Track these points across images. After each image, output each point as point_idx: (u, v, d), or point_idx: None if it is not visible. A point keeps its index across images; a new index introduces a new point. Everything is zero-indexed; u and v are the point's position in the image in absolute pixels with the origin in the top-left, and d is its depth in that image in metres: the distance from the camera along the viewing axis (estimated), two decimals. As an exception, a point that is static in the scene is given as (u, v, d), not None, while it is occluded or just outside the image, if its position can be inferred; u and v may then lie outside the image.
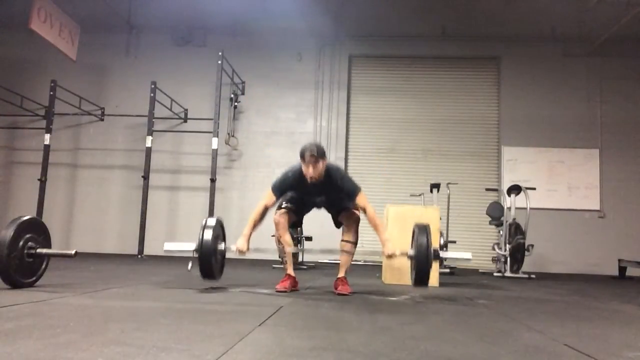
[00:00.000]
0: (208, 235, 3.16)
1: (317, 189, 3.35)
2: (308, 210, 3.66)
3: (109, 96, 8.75)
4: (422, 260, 3.10)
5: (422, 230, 3.17)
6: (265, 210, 3.36)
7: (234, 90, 8.27)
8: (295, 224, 3.66)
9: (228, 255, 3.42)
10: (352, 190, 3.31)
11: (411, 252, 3.22)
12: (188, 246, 3.23)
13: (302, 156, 3.20)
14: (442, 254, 3.40)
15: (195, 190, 8.34)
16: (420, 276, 3.14)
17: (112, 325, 1.90)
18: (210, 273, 3.20)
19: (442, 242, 5.70)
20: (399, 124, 8.59)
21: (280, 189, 3.37)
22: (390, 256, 3.22)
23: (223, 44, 7.88)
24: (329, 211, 3.62)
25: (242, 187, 8.42)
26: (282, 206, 3.51)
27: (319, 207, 3.59)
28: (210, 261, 3.15)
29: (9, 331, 1.70)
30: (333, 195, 3.41)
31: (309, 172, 3.19)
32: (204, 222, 3.26)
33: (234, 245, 3.27)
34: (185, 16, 8.67)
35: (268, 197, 3.36)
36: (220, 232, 3.36)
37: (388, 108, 8.64)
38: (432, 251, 3.11)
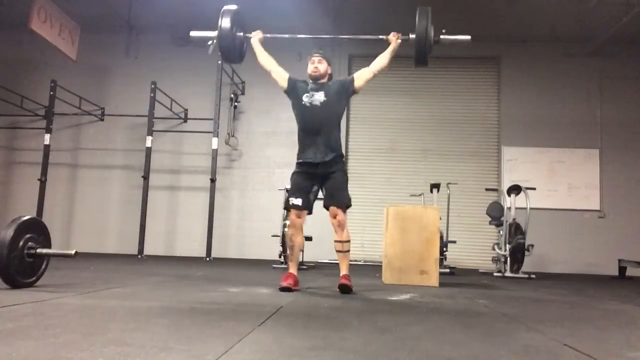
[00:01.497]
0: (227, 22, 3.59)
1: (320, 88, 3.61)
2: (311, 193, 3.55)
3: (109, 96, 8.76)
4: (421, 40, 3.34)
5: (423, 13, 3.44)
6: (274, 66, 3.82)
7: (234, 90, 8.27)
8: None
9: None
10: (348, 78, 3.69)
11: (412, 34, 3.48)
12: (211, 33, 3.68)
13: (310, 57, 3.63)
14: (442, 36, 3.61)
15: (195, 190, 8.35)
16: (420, 55, 3.41)
17: (112, 325, 1.90)
18: (230, 56, 3.68)
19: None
20: (399, 124, 8.59)
21: (292, 79, 3.73)
22: (394, 37, 3.64)
23: (223, 44, 7.87)
24: (324, 190, 3.56)
25: (242, 187, 8.41)
26: (290, 204, 3.51)
27: (316, 181, 3.54)
28: (229, 45, 3.58)
29: (9, 331, 1.70)
30: (332, 95, 3.61)
31: (314, 66, 3.57)
32: (223, 10, 3.66)
33: (254, 33, 3.75)
34: (185, 16, 8.64)
35: (282, 72, 3.78)
36: (240, 19, 3.77)
37: (388, 108, 8.64)
38: (431, 32, 3.35)
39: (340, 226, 3.47)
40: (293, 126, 3.83)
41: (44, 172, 7.50)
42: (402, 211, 4.64)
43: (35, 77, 8.67)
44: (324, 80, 3.63)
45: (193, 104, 8.47)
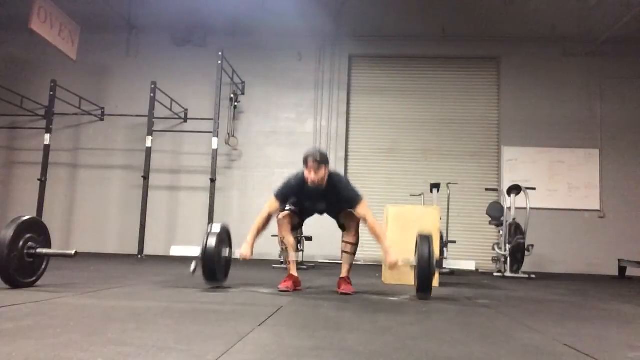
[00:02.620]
0: (212, 241, 3.23)
1: (319, 195, 3.37)
2: (310, 215, 3.70)
3: (109, 96, 8.76)
4: (424, 270, 3.11)
5: (424, 239, 3.18)
6: (269, 218, 3.38)
7: (234, 90, 8.27)
8: (295, 227, 3.68)
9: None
10: (353, 199, 3.32)
11: (414, 261, 3.23)
12: (194, 250, 3.31)
13: (305, 161, 3.24)
14: (445, 264, 3.41)
15: (195, 190, 8.34)
16: (424, 285, 3.16)
17: (112, 325, 1.90)
18: (214, 277, 3.28)
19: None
20: (399, 124, 8.59)
21: (283, 195, 3.39)
22: (393, 265, 3.23)
23: (223, 44, 7.89)
24: (330, 216, 3.65)
25: (242, 187, 8.41)
26: (286, 208, 3.53)
27: (320, 213, 3.62)
28: (214, 266, 3.22)
29: (9, 331, 1.70)
30: (334, 202, 3.43)
31: (311, 176, 3.22)
32: (209, 229, 3.35)
33: (238, 251, 3.34)
34: (185, 16, 8.67)
35: (271, 204, 3.37)
36: (225, 237, 3.43)
37: (388, 108, 8.64)
38: (434, 261, 3.12)
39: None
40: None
41: (44, 172, 7.49)
42: (402, 211, 4.64)
43: (35, 77, 8.67)
44: (323, 185, 3.32)
45: (193, 104, 8.48)
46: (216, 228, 3.36)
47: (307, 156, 3.24)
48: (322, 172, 3.24)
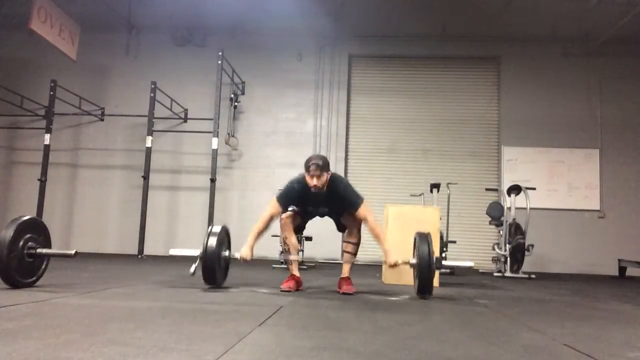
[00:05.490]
0: (212, 242, 3.24)
1: (321, 199, 3.41)
2: (312, 217, 3.70)
3: (109, 96, 8.75)
4: (424, 270, 3.13)
5: (423, 239, 3.20)
6: (270, 220, 3.40)
7: (234, 90, 8.27)
8: (298, 228, 3.69)
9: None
10: (354, 201, 3.37)
11: (413, 261, 3.25)
12: (193, 252, 3.33)
13: (307, 168, 3.29)
14: (445, 263, 3.43)
15: (195, 190, 8.34)
16: (423, 285, 3.17)
17: (112, 325, 1.90)
18: (213, 279, 3.29)
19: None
20: (399, 124, 8.59)
21: (285, 199, 3.43)
22: (392, 266, 3.26)
23: (223, 44, 7.89)
24: (332, 218, 3.68)
25: (242, 187, 8.41)
26: (289, 209, 3.54)
27: (322, 216, 3.64)
28: (214, 267, 3.23)
29: (9, 331, 1.70)
30: (336, 205, 3.47)
31: (313, 182, 3.27)
32: (209, 229, 3.36)
33: (237, 253, 3.34)
34: (185, 16, 8.67)
35: (273, 207, 3.40)
36: (225, 239, 3.44)
37: (388, 108, 8.64)
38: (434, 260, 3.14)
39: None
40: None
41: (44, 172, 7.49)
42: (402, 211, 4.64)
43: (35, 77, 8.66)
44: (325, 190, 3.36)
45: (193, 104, 8.47)
46: (216, 229, 3.36)
47: (308, 163, 3.29)
48: (324, 178, 3.30)
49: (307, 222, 3.75)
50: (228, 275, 3.59)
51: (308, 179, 3.30)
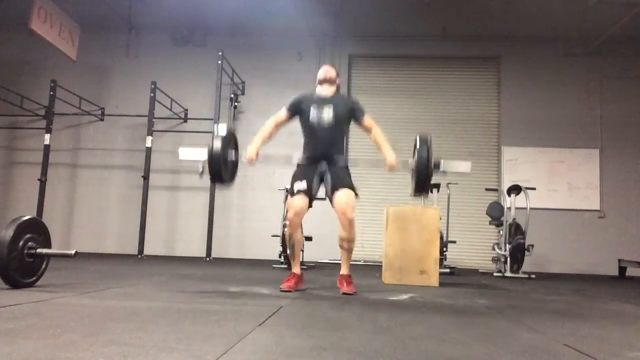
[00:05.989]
0: (217, 143, 3.35)
1: (327, 103, 3.52)
2: (316, 188, 3.52)
3: (109, 96, 8.75)
4: (422, 170, 3.27)
5: (423, 142, 3.36)
6: (275, 126, 3.69)
7: (234, 90, 8.27)
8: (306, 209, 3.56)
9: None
10: (360, 109, 3.63)
11: (412, 162, 3.37)
12: (201, 152, 3.46)
13: (320, 72, 3.59)
14: (442, 165, 3.51)
15: (195, 190, 8.34)
16: (420, 185, 3.32)
17: (112, 325, 1.90)
18: (220, 177, 3.39)
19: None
20: (399, 123, 8.58)
21: (293, 105, 3.65)
22: (392, 167, 3.44)
23: (223, 44, 7.89)
24: (330, 182, 3.48)
25: (242, 187, 8.40)
26: (295, 191, 3.44)
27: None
28: (220, 166, 3.33)
29: (9, 331, 1.70)
30: (341, 112, 3.55)
31: (325, 69, 3.57)
32: (215, 132, 3.45)
33: (245, 153, 3.49)
34: (185, 16, 8.66)
35: (280, 113, 3.70)
36: (231, 139, 3.60)
37: (388, 108, 8.63)
38: (432, 161, 3.29)
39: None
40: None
41: (44, 172, 7.49)
42: (402, 211, 4.64)
43: (35, 77, 8.66)
44: (333, 88, 3.63)
45: (193, 104, 8.47)
46: (222, 132, 3.47)
47: (322, 65, 3.65)
48: (334, 74, 3.59)
49: (314, 197, 3.53)
50: (226, 274, 3.59)
51: (321, 71, 3.58)
